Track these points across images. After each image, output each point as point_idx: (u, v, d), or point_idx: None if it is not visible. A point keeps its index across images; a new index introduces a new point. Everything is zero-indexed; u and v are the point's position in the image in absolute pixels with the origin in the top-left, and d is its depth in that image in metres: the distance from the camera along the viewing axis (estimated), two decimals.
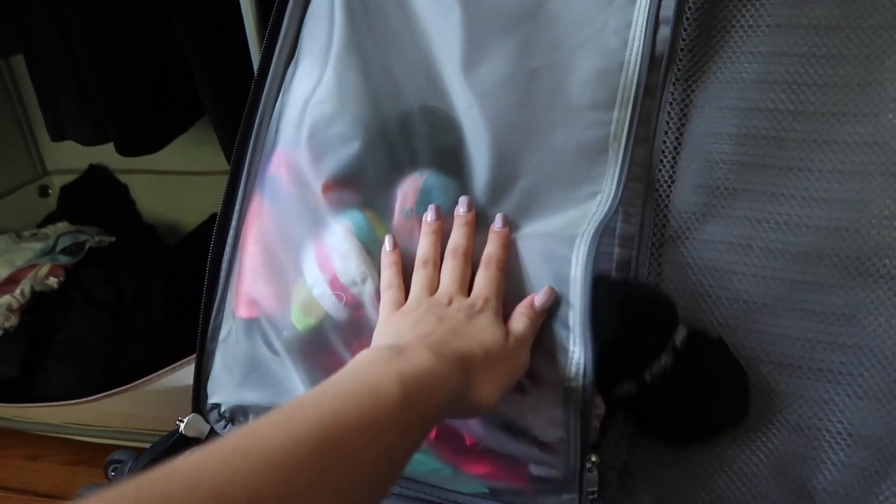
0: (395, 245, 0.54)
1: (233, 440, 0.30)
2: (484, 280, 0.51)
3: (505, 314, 0.50)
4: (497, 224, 0.54)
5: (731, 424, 0.50)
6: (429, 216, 0.55)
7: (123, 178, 1.46)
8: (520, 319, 0.49)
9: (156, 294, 1.13)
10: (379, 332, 0.50)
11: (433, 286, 0.52)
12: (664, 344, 0.50)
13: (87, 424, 1.06)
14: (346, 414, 0.34)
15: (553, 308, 0.49)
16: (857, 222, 0.49)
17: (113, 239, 1.24)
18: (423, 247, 0.54)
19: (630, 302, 0.50)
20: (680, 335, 0.50)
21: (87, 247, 1.19)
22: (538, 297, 0.50)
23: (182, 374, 0.89)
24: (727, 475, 0.50)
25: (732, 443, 0.50)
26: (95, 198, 1.42)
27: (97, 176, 1.44)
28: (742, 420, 0.50)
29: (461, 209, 0.55)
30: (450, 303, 0.50)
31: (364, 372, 0.39)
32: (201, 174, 1.40)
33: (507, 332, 0.48)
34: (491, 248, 0.53)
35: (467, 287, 0.52)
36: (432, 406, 0.39)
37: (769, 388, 0.51)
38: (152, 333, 1.10)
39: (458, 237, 0.54)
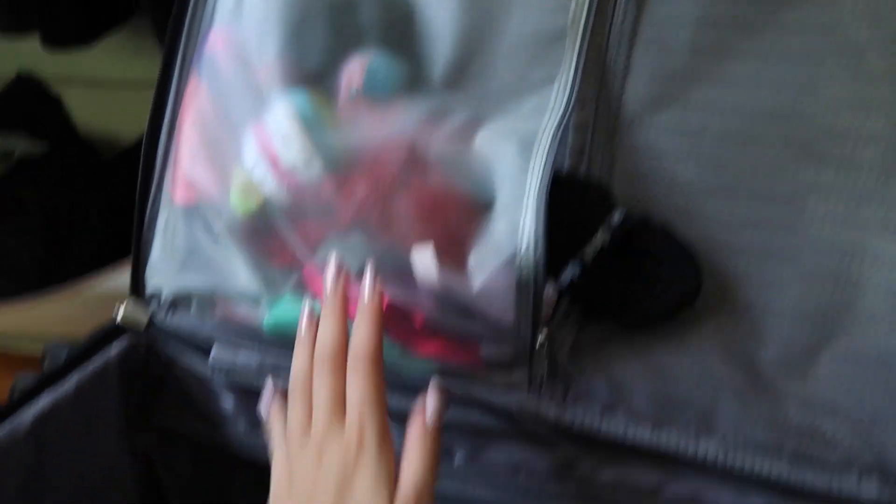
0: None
1: None
2: (356, 395, 0.41)
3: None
4: (366, 293, 0.43)
5: (687, 304, 0.50)
6: (302, 322, 0.45)
7: (56, 89, 1.38)
8: (413, 458, 0.41)
9: (93, 204, 1.09)
10: None
11: (307, 420, 0.43)
12: (599, 222, 0.50)
13: (21, 334, 1.02)
14: None
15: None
16: (810, 107, 0.49)
17: (45, 148, 1.18)
18: (295, 367, 0.45)
19: (562, 186, 0.50)
20: (616, 216, 0.50)
21: (15, 155, 1.13)
22: (428, 410, 0.43)
23: (122, 280, 0.85)
24: (675, 351, 0.51)
25: (681, 322, 0.51)
26: (25, 110, 1.34)
27: (26, 86, 1.35)
28: (695, 299, 0.50)
29: (328, 283, 0.44)
30: (324, 444, 0.41)
31: None
32: (141, 86, 1.33)
33: (392, 490, 0.39)
34: (357, 338, 0.42)
35: (342, 404, 0.42)
36: None
37: (719, 272, 0.51)
38: (90, 243, 1.06)
39: (324, 334, 0.43)
